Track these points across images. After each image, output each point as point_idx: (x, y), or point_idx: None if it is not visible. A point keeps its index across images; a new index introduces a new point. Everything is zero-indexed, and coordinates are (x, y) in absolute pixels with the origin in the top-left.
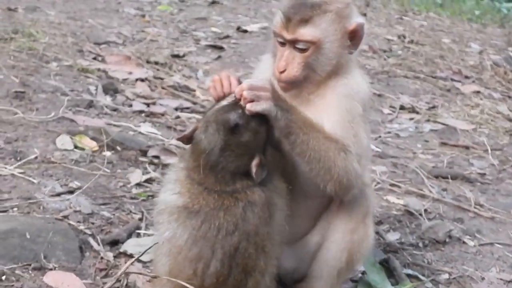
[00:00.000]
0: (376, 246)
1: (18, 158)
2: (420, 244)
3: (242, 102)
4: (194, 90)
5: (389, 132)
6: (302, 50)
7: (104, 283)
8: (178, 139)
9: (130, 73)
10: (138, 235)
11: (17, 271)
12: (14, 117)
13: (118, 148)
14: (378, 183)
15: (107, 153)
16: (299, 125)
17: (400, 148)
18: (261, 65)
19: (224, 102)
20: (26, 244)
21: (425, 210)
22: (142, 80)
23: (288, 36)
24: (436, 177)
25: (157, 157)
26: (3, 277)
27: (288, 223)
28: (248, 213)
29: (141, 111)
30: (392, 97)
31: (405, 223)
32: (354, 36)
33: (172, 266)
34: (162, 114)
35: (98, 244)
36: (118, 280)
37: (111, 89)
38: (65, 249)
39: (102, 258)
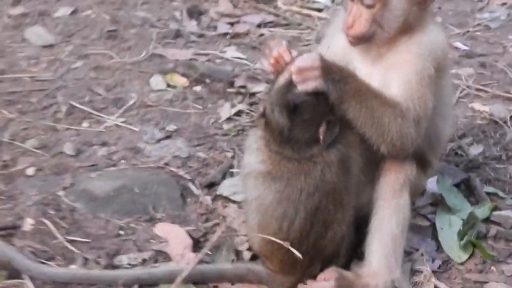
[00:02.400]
0: (458, 163)
1: (119, 106)
2: (504, 157)
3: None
4: (276, 0)
5: (478, 25)
6: (369, 6)
7: (205, 228)
8: (255, 120)
9: None
10: (232, 174)
11: (131, 224)
12: (110, 62)
13: (207, 80)
14: (464, 89)
15: (197, 88)
16: (352, 93)
17: (490, 43)
18: (335, 19)
19: (282, 80)
20: (135, 198)
21: (511, 117)
22: None
23: None
24: None
25: (243, 86)
26: (121, 231)
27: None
28: (326, 174)
29: (225, 34)
30: None
31: (489, 133)
32: None
33: (260, 221)
34: (246, 34)
35: (197, 189)
36: (216, 224)
37: (195, 11)
38: (169, 198)
39: (201, 202)
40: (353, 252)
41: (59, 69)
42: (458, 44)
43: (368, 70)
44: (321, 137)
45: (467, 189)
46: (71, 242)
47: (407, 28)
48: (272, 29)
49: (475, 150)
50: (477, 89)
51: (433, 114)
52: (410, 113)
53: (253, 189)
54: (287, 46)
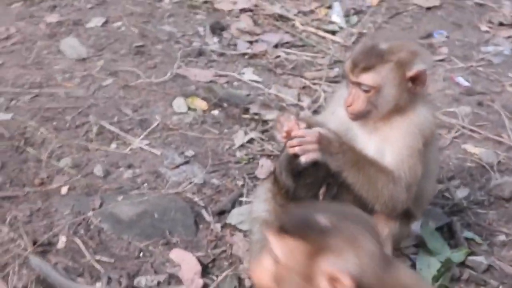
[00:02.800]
0: (444, 205)
1: (144, 127)
2: (486, 202)
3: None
4: (293, 20)
5: (482, 59)
6: (365, 91)
7: (214, 255)
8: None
9: (235, 3)
10: (241, 203)
11: (150, 247)
12: (137, 81)
13: (225, 105)
14: (459, 129)
15: (215, 112)
16: (351, 164)
17: (490, 80)
18: (336, 95)
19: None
20: (155, 223)
21: (499, 162)
22: (246, 10)
23: (353, 78)
24: None
25: (257, 114)
26: (141, 254)
27: None
28: None
29: (244, 54)
30: (494, 7)
31: (476, 177)
32: (415, 80)
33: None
34: (263, 54)
35: (209, 216)
36: (224, 251)
37: (217, 27)
38: (184, 225)
39: (212, 230)
40: None
41: (91, 86)
42: (460, 80)
43: (366, 140)
44: (321, 198)
45: (449, 232)
46: (98, 261)
47: (399, 108)
48: (288, 50)
49: (461, 194)
50: (471, 130)
51: (420, 178)
52: (402, 181)
53: (258, 233)
54: (295, 120)
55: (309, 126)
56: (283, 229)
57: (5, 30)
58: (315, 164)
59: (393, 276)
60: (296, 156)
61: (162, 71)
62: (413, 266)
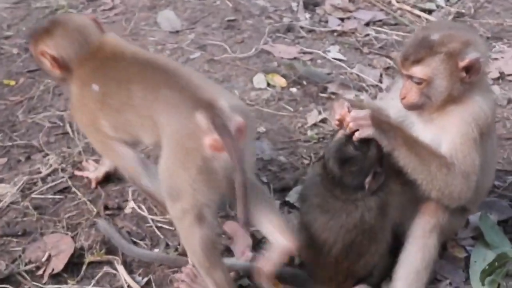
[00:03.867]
0: (510, 200)
1: None
2: None
3: (348, 131)
4: None
5: None
6: (417, 83)
7: None
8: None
9: None
10: (303, 182)
11: None
12: (223, 56)
13: (304, 82)
14: None
15: (294, 89)
16: (401, 142)
17: None
18: (395, 86)
19: (338, 136)
20: None
21: None
22: None
23: (404, 71)
24: None
25: (335, 93)
26: None
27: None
28: (365, 216)
29: (333, 31)
30: None
31: None
32: (469, 70)
33: (307, 241)
34: (353, 32)
35: (270, 193)
36: None
37: (311, 3)
38: None
39: None
40: (389, 272)
41: (179, 58)
42: None
43: (422, 129)
44: (367, 186)
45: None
46: (159, 228)
47: (454, 98)
48: (379, 28)
49: None
50: None
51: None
52: (455, 167)
53: (305, 213)
54: (348, 107)
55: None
56: None
57: (111, 1)
58: (362, 153)
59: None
60: (344, 143)
61: (248, 46)
62: (469, 258)
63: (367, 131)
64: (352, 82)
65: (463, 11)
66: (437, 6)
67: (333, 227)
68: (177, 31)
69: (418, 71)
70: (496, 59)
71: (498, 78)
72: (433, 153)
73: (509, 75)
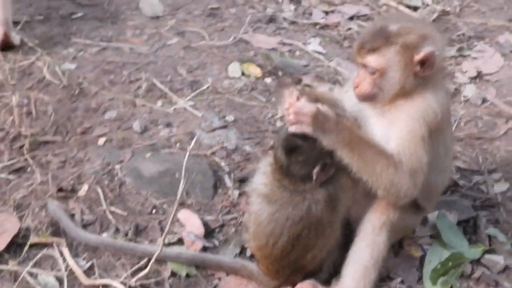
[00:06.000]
0: (476, 199)
1: (194, 88)
2: None
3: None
4: None
5: None
6: (371, 73)
7: (224, 220)
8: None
9: None
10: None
11: (164, 206)
12: (200, 43)
13: (280, 73)
14: None
15: (268, 80)
16: (344, 143)
17: None
18: (351, 78)
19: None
20: (174, 183)
21: None
22: None
23: (359, 60)
24: None
25: (309, 85)
26: (153, 210)
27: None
28: (312, 209)
29: (316, 24)
30: None
31: None
32: (424, 63)
33: (254, 232)
34: (335, 26)
35: (230, 182)
36: (234, 218)
37: None
38: (202, 187)
39: (229, 195)
40: (339, 268)
41: (156, 43)
42: None
43: (375, 122)
44: (314, 177)
45: (473, 227)
46: (111, 212)
47: (406, 92)
48: (362, 23)
49: (498, 188)
50: None
51: (429, 169)
52: (403, 166)
53: (254, 204)
54: (297, 96)
55: (319, 101)
56: None
57: None
58: (309, 143)
59: None
60: (294, 133)
61: (227, 35)
62: (424, 257)
63: (303, 128)
64: (328, 75)
65: (448, 9)
66: (423, 3)
67: (279, 218)
68: (158, 17)
69: (372, 60)
70: (475, 58)
71: (475, 77)
72: (380, 153)
73: (486, 74)
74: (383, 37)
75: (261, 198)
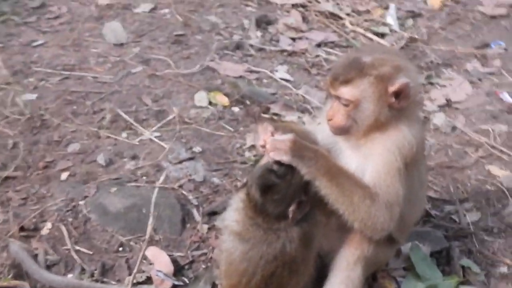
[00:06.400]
0: (448, 229)
1: (159, 119)
2: (496, 229)
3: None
4: (344, 19)
5: None
6: (345, 105)
7: (193, 256)
8: (240, 188)
9: None
10: None
11: (131, 242)
12: (165, 71)
13: (247, 102)
14: (488, 148)
15: (236, 109)
16: (323, 172)
17: None
18: (323, 110)
19: (262, 163)
20: (141, 218)
21: None
22: (298, 5)
23: (333, 92)
24: None
25: (277, 114)
26: (120, 248)
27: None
28: (286, 247)
29: (283, 50)
30: None
31: (492, 202)
32: (399, 95)
33: (226, 270)
34: (303, 53)
35: (199, 216)
36: (204, 254)
37: (264, 21)
38: (170, 222)
39: (198, 230)
40: None
41: (120, 72)
42: (505, 96)
43: (349, 155)
44: (290, 216)
45: (447, 258)
46: (77, 251)
47: (381, 125)
48: (330, 50)
49: (471, 218)
50: (501, 151)
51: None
52: (379, 198)
53: (226, 242)
54: (271, 132)
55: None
56: None
57: (57, 9)
58: (286, 181)
59: None
60: (267, 170)
61: (193, 62)
62: None
63: (282, 156)
64: (297, 103)
65: (416, 36)
66: (391, 30)
67: (253, 257)
68: (122, 44)
69: (346, 91)
70: (444, 86)
71: (444, 105)
72: (357, 184)
73: (455, 102)
74: (356, 69)
75: (233, 236)
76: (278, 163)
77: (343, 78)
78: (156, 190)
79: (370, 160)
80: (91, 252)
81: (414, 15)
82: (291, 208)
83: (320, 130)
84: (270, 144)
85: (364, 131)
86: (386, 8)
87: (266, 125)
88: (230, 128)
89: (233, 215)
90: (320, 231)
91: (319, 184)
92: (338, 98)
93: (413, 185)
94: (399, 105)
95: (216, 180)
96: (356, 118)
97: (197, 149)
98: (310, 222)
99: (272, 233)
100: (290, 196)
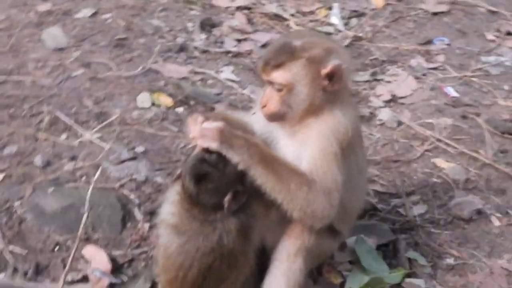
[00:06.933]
0: (395, 222)
1: (101, 120)
2: (442, 221)
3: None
4: (288, 20)
5: (479, 69)
6: (278, 90)
7: (133, 255)
8: (173, 181)
9: (233, 0)
10: None
11: (67, 242)
12: (107, 74)
13: (191, 102)
14: (433, 142)
15: (180, 109)
16: (257, 160)
17: (482, 92)
18: (258, 100)
19: (195, 153)
20: (80, 218)
21: (467, 180)
22: (242, 8)
23: (265, 77)
24: (503, 133)
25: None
26: (56, 247)
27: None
28: (223, 239)
29: (228, 52)
30: (507, 15)
31: (438, 194)
32: (332, 77)
33: (163, 265)
34: (248, 54)
35: (140, 215)
36: (144, 252)
37: (208, 24)
38: (110, 221)
39: (139, 229)
40: None
41: (59, 76)
42: (449, 90)
43: (285, 143)
44: (225, 206)
45: (393, 251)
46: (10, 252)
47: (315, 109)
48: None
49: (417, 210)
50: (446, 144)
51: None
52: (316, 184)
53: (163, 236)
54: (201, 122)
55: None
56: None
57: None
58: (219, 169)
59: None
60: (200, 159)
61: (136, 65)
62: (344, 283)
63: (210, 143)
64: (242, 103)
65: (360, 34)
66: (335, 30)
67: (189, 250)
68: (61, 49)
69: (278, 76)
70: (389, 82)
71: (390, 101)
72: (293, 171)
73: (400, 97)
74: (288, 53)
75: (170, 229)
76: (209, 151)
77: (274, 63)
78: (91, 187)
79: (306, 147)
80: (24, 252)
81: (358, 14)
82: (227, 198)
83: (255, 120)
84: (199, 132)
85: (299, 117)
86: (330, 8)
87: (196, 115)
88: (174, 129)
89: (169, 208)
90: (260, 222)
91: (254, 173)
92: (271, 83)
93: (351, 171)
94: (333, 88)
95: (159, 179)
96: (291, 102)
97: (140, 149)
98: (248, 213)
99: (208, 225)
100: (225, 186)
